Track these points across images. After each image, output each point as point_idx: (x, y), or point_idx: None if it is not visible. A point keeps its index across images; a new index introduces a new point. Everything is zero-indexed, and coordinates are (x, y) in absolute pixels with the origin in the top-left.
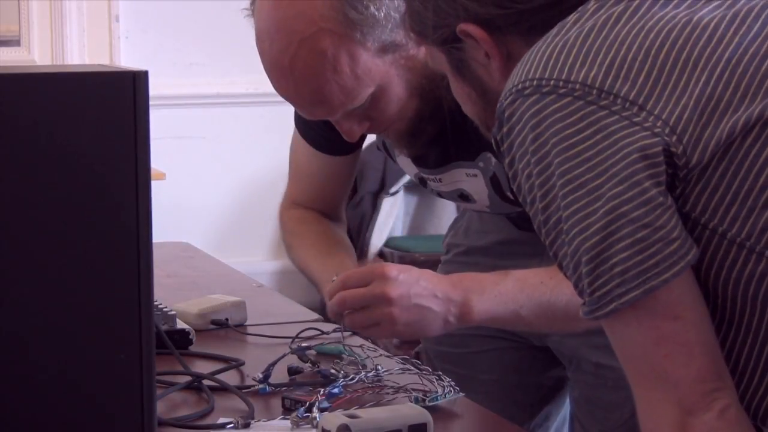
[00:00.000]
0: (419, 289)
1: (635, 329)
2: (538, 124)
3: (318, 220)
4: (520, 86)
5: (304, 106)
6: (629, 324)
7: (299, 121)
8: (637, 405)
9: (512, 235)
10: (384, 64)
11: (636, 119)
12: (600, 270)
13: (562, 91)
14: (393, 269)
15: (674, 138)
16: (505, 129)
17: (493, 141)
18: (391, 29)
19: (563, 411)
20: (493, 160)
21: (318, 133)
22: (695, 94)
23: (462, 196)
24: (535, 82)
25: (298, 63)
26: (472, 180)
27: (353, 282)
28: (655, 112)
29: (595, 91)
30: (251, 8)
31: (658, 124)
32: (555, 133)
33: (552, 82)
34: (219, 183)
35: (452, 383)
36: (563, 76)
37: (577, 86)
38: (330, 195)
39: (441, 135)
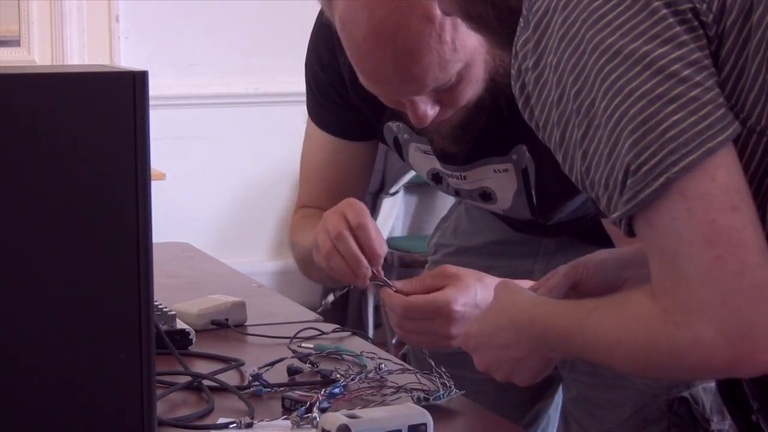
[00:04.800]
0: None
1: (684, 222)
2: (566, 5)
3: (320, 214)
4: None
5: (392, 82)
6: (676, 216)
7: (314, 109)
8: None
9: (506, 235)
10: (475, 39)
11: None
12: (649, 138)
13: None
14: (458, 306)
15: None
16: (532, 26)
17: (513, 50)
18: None
19: (552, 410)
20: (527, 153)
21: (335, 118)
22: None
23: (483, 195)
24: None
25: (403, 29)
26: (500, 176)
27: (417, 314)
28: None
29: None
30: None
31: None
32: (583, 9)
33: None
34: (219, 183)
35: (451, 381)
36: None
37: None
38: (343, 188)
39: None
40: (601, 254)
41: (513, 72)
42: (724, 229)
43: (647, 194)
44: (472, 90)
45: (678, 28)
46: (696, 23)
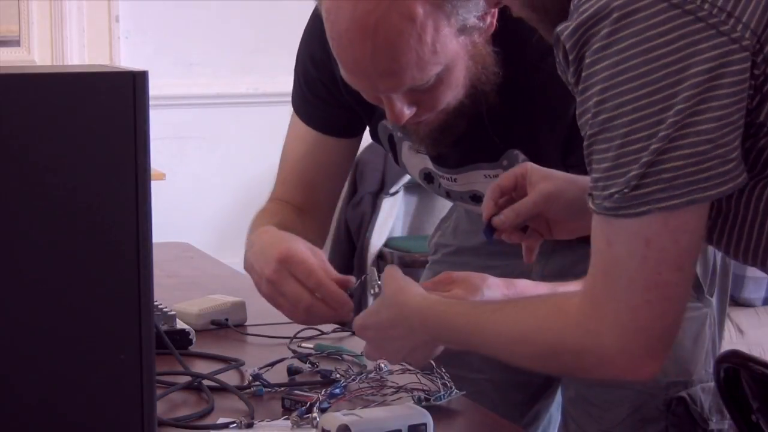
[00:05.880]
0: None
1: (636, 264)
2: (619, 19)
3: (283, 209)
4: None
5: (371, 76)
6: (633, 256)
7: (299, 102)
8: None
9: None
10: (457, 44)
11: (723, 28)
12: (647, 171)
13: None
14: None
15: (755, 40)
16: (574, 24)
17: (555, 35)
18: (470, 10)
19: (551, 409)
20: (521, 156)
21: (319, 113)
22: None
23: (474, 197)
24: None
25: (384, 25)
26: (491, 181)
27: None
28: (743, 19)
29: None
30: None
31: (747, 35)
32: (638, 32)
33: None
34: (219, 183)
35: (451, 381)
36: None
37: None
38: (317, 184)
39: (465, 135)
40: (574, 191)
41: (560, 59)
42: (664, 283)
43: (623, 213)
44: (451, 94)
45: (725, 90)
46: (747, 73)
